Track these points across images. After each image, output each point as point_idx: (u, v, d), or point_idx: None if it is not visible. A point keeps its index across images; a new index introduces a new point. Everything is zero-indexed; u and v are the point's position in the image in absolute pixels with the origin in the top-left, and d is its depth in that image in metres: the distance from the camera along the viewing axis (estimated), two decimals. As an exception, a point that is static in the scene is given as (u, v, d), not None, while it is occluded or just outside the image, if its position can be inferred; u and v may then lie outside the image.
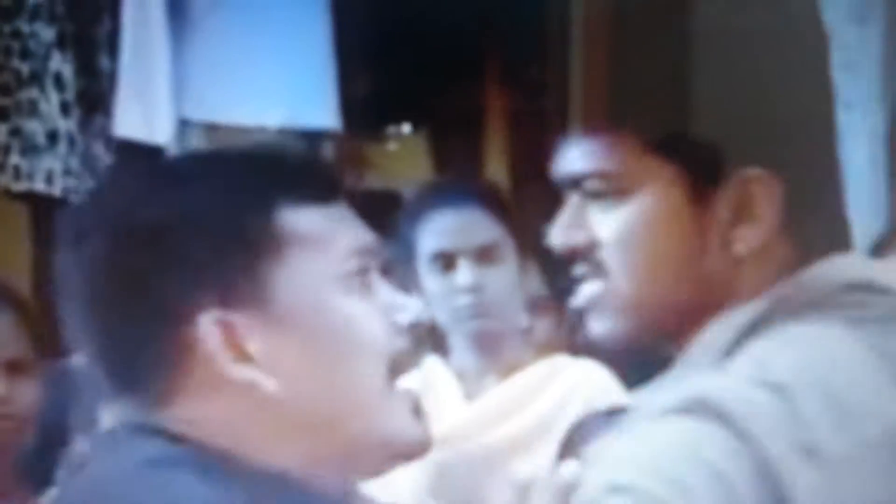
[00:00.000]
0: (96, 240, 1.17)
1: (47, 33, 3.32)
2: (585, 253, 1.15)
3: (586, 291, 1.15)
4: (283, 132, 3.28)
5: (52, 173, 3.29)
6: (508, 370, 2.32)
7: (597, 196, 1.15)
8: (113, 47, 3.37)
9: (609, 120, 1.12)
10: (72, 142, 3.33)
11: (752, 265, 1.13)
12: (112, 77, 3.36)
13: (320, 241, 1.15)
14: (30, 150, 3.31)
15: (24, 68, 3.30)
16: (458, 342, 2.32)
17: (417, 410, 1.16)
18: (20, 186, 3.31)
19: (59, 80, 3.32)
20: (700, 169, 1.13)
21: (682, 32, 1.12)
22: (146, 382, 1.16)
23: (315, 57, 3.40)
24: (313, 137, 3.35)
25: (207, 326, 1.13)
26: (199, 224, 1.14)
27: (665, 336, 1.14)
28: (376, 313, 1.16)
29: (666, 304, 1.13)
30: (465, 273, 2.25)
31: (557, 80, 1.04)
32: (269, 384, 1.12)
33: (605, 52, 1.08)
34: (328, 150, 3.32)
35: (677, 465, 0.98)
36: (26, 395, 2.11)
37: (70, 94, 3.34)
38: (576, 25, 1.05)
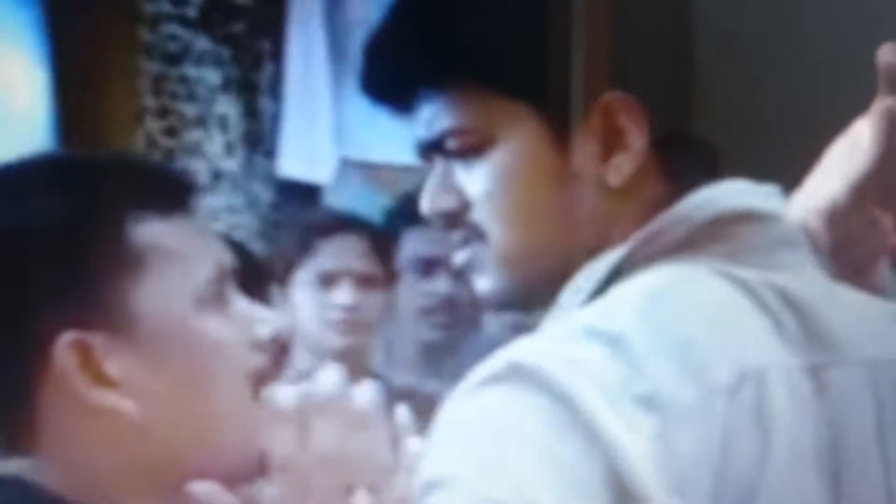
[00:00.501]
0: None
1: (213, 77, 3.46)
2: (460, 217, 1.09)
3: (466, 252, 1.09)
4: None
5: (215, 211, 3.42)
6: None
7: (459, 155, 1.08)
8: (274, 90, 3.49)
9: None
10: (234, 181, 3.47)
11: (627, 205, 1.07)
12: (273, 119, 3.49)
13: (180, 256, 1.09)
14: (194, 189, 3.45)
15: (190, 111, 3.44)
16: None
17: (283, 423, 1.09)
18: (185, 225, 3.45)
19: (223, 123, 3.46)
20: (558, 107, 1.07)
21: (687, 30, 1.11)
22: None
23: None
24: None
25: (63, 349, 1.04)
26: (45, 239, 1.06)
27: (552, 288, 1.06)
28: (234, 329, 1.10)
29: (545, 253, 1.07)
30: None
31: (558, 81, 1.03)
32: (130, 408, 1.05)
33: (606, 52, 1.07)
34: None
35: (499, 446, 0.89)
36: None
37: (234, 136, 3.47)
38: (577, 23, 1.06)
